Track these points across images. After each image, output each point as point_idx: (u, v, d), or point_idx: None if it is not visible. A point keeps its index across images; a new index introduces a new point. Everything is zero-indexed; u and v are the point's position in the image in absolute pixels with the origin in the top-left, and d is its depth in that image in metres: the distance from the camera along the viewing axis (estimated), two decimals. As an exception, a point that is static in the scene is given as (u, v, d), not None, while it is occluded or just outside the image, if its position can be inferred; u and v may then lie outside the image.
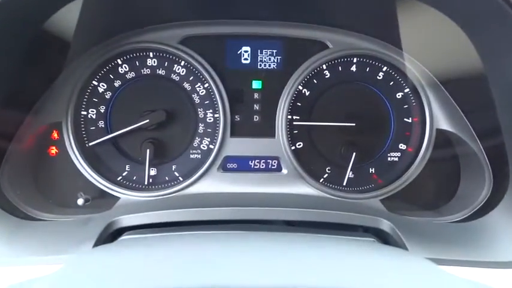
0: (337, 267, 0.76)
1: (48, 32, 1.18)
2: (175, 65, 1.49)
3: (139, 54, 1.48)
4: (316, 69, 1.51)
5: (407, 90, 1.53)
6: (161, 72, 1.49)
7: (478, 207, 1.38)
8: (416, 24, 1.28)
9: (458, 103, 1.47)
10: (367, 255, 0.87)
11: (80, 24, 1.23)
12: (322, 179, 1.55)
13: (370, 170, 1.56)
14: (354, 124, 1.51)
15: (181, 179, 1.52)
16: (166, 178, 1.52)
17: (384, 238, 1.17)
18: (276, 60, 1.53)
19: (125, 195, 1.47)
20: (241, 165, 1.53)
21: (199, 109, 1.52)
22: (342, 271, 0.73)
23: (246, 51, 1.53)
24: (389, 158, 1.56)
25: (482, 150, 1.42)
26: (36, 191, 1.46)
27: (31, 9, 1.02)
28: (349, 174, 1.52)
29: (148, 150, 1.45)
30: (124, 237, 1.11)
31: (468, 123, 1.46)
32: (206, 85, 1.50)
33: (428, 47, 1.43)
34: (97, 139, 1.47)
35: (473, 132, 1.44)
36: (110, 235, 1.13)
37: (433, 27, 1.22)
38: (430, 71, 1.49)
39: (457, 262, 1.04)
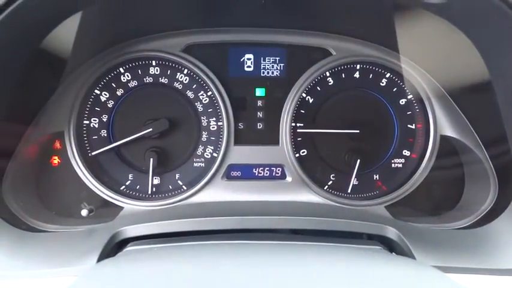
0: (350, 280, 0.75)
1: (49, 44, 1.16)
2: (178, 73, 1.49)
3: (142, 62, 1.47)
4: (320, 77, 1.51)
5: (410, 96, 1.53)
6: (164, 80, 1.49)
7: (483, 214, 1.38)
8: (419, 31, 1.28)
9: (463, 109, 1.47)
10: (379, 266, 0.87)
11: (81, 33, 1.22)
12: (326, 186, 1.54)
13: (375, 177, 1.56)
14: (357, 131, 1.51)
15: (185, 187, 1.51)
16: (170, 187, 1.51)
17: (389, 245, 1.17)
18: (279, 68, 1.53)
19: (129, 205, 1.46)
20: (245, 173, 1.52)
21: (202, 117, 1.51)
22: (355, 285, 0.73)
23: (249, 59, 1.52)
24: (393, 165, 1.56)
25: (487, 156, 1.42)
26: (39, 202, 1.45)
27: (33, 22, 1.01)
28: (353, 181, 1.52)
29: (151, 159, 1.44)
30: (129, 248, 1.10)
31: (473, 129, 1.46)
32: (209, 93, 1.50)
33: (431, 54, 1.43)
34: (100, 148, 1.46)
35: (478, 139, 1.44)
36: (115, 245, 1.12)
37: (437, 33, 1.23)
38: (434, 78, 1.49)
39: (463, 270, 1.04)
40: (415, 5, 1.03)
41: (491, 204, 1.38)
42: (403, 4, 1.14)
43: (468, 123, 1.46)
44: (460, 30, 1.07)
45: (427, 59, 1.46)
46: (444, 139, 1.51)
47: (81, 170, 1.44)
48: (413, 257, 1.08)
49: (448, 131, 1.49)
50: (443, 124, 1.50)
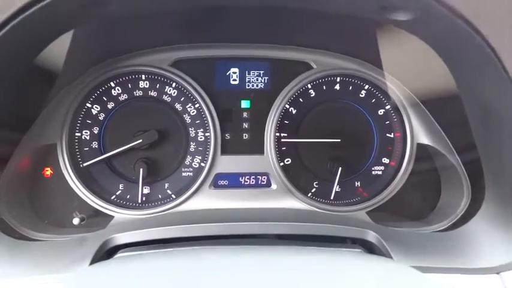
0: (329, 279, 0.79)
1: (43, 60, 1.20)
2: (167, 87, 1.55)
3: (132, 77, 1.53)
4: (302, 89, 1.58)
5: (388, 107, 1.61)
6: (153, 93, 1.54)
7: (458, 217, 1.44)
8: (397, 46, 1.35)
9: (437, 119, 1.55)
10: (355, 265, 0.91)
11: (73, 49, 1.26)
12: (310, 194, 1.60)
13: (356, 184, 1.62)
14: (339, 140, 1.57)
15: (174, 196, 1.55)
16: (159, 196, 1.55)
17: (370, 248, 1.21)
18: (263, 81, 1.60)
19: (119, 214, 1.50)
20: (232, 181, 1.57)
21: (190, 128, 1.56)
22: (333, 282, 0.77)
23: (234, 73, 1.59)
24: (373, 172, 1.62)
25: (460, 163, 1.49)
26: (32, 212, 1.48)
27: (28, 40, 1.05)
28: (336, 188, 1.57)
29: (141, 169, 1.48)
30: (119, 254, 1.14)
31: (446, 137, 1.53)
32: (197, 105, 1.56)
33: (407, 68, 1.50)
34: (91, 160, 1.50)
35: (451, 146, 1.51)
36: (105, 253, 1.15)
37: (412, 49, 1.29)
38: (410, 90, 1.57)
39: (440, 269, 1.08)
40: (383, 21, 1.10)
41: (466, 207, 1.44)
42: (374, 21, 1.21)
43: (442, 131, 1.54)
44: (430, 47, 1.14)
45: (404, 72, 1.54)
46: (421, 147, 1.57)
47: (73, 181, 1.48)
48: (391, 258, 1.12)
49: (424, 138, 1.56)
50: (419, 132, 1.57)
